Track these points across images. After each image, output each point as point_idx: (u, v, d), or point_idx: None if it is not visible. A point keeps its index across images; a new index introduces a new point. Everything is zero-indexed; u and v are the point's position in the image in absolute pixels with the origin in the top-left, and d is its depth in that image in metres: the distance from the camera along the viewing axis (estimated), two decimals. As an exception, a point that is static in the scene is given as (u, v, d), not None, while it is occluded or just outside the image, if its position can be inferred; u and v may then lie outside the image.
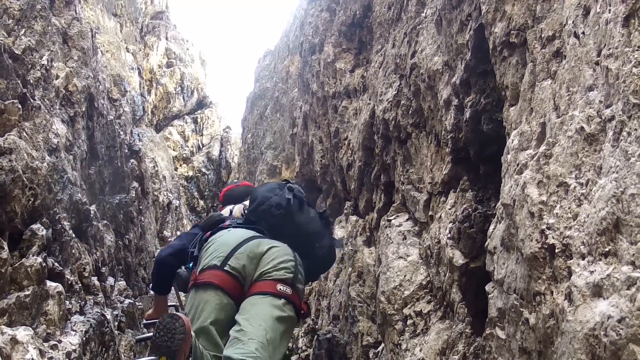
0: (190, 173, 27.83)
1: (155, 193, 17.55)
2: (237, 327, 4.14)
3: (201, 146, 29.06)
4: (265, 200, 4.97)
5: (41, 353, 3.89)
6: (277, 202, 4.92)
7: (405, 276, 5.36)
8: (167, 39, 27.41)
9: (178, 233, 17.82)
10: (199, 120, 28.96)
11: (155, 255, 6.48)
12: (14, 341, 3.60)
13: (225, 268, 4.45)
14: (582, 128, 2.45)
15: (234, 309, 4.33)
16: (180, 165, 27.41)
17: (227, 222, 5.04)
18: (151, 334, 4.10)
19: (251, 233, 4.74)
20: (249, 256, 4.50)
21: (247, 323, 4.15)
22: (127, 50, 21.74)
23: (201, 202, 27.63)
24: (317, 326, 8.94)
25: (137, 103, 22.10)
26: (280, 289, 4.37)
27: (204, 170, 28.18)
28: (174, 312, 3.85)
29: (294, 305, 4.43)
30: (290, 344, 9.36)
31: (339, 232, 8.36)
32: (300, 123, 11.36)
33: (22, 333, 3.75)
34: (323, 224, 5.07)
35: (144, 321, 5.10)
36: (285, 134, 14.07)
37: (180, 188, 25.49)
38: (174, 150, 26.90)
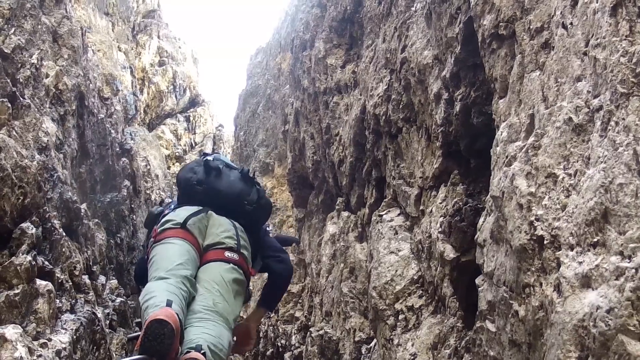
0: (183, 172, 27.73)
1: (148, 192, 17.50)
2: (197, 297, 4.40)
3: (194, 145, 28.98)
4: (188, 181, 5.29)
5: (30, 351, 3.87)
6: (198, 179, 5.24)
7: (396, 271, 5.35)
8: (159, 37, 27.34)
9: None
10: (191, 118, 28.88)
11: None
12: (2, 339, 3.58)
13: (185, 227, 4.81)
14: (570, 119, 2.44)
15: (196, 260, 4.68)
16: (173, 164, 27.33)
17: (166, 211, 5.28)
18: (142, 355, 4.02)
19: (194, 209, 5.02)
20: (198, 226, 4.86)
21: (203, 290, 4.46)
22: (119, 49, 21.69)
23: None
24: (309, 323, 8.94)
25: (130, 102, 22.05)
26: (227, 255, 4.76)
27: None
28: (161, 318, 3.82)
29: (242, 268, 4.79)
30: (283, 341, 9.37)
31: (330, 228, 8.35)
32: (291, 120, 11.34)
33: (11, 331, 3.73)
34: (245, 182, 5.36)
35: (136, 320, 5.16)
36: (278, 131, 14.04)
37: (173, 187, 25.44)
38: (166, 148, 26.83)
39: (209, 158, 5.52)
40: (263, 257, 5.28)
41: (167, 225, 4.90)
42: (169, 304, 4.01)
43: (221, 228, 4.95)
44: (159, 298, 4.09)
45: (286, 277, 5.34)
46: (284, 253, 5.52)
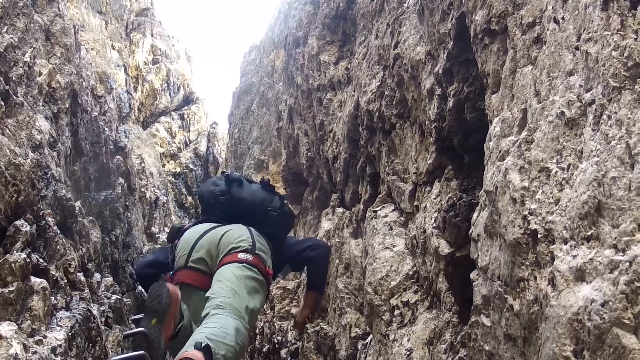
0: (178, 169, 27.71)
1: (142, 189, 17.50)
2: (209, 300, 4.51)
3: (188, 142, 28.96)
4: (211, 194, 5.53)
5: (25, 348, 3.87)
6: (221, 190, 5.48)
7: (391, 267, 5.36)
8: (152, 35, 27.30)
9: (166, 229, 17.79)
10: (185, 116, 28.85)
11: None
12: (-3, 337, 3.59)
13: (188, 265, 4.97)
14: (562, 113, 2.45)
15: (204, 297, 4.65)
16: (168, 162, 27.31)
17: (187, 225, 5.50)
18: (139, 329, 4.32)
19: (208, 226, 5.23)
20: (208, 246, 4.99)
21: (214, 287, 4.62)
22: (112, 47, 21.64)
23: (189, 198, 27.52)
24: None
25: (124, 100, 22.01)
26: (241, 256, 4.85)
27: (191, 166, 28.08)
28: (162, 282, 4.30)
29: (258, 268, 4.87)
30: (279, 337, 9.37)
31: (325, 225, 8.35)
32: (285, 116, 11.33)
33: (6, 328, 3.74)
34: (267, 191, 5.60)
35: (132, 317, 5.23)
36: (272, 128, 14.03)
37: (168, 184, 25.42)
38: (161, 146, 26.80)
39: (230, 174, 5.74)
40: (294, 257, 5.50)
41: (177, 265, 5.08)
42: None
43: (235, 235, 5.04)
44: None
45: (320, 257, 5.52)
46: (313, 241, 5.87)
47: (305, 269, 5.91)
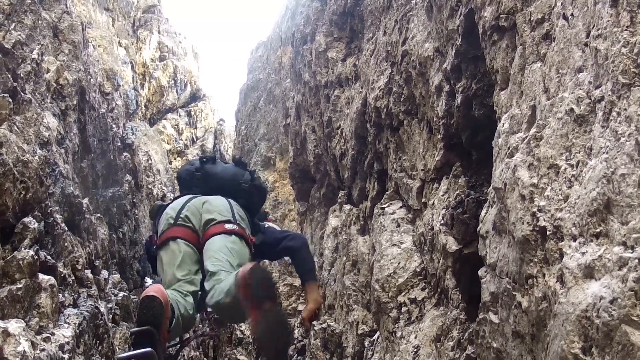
0: (185, 166, 27.68)
1: (150, 186, 17.48)
2: (207, 270, 5.00)
3: (195, 139, 28.94)
4: (187, 172, 6.12)
5: (33, 345, 3.86)
6: (196, 167, 6.06)
7: (399, 264, 5.36)
8: (159, 32, 27.30)
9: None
10: (192, 113, 28.84)
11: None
12: (5, 333, 3.57)
13: (177, 222, 5.42)
14: (571, 109, 2.44)
15: (195, 252, 5.27)
16: (175, 159, 27.31)
17: (167, 202, 5.96)
18: (146, 327, 4.59)
19: (188, 197, 5.70)
20: (191, 211, 5.46)
21: (210, 262, 5.03)
22: (119, 44, 21.65)
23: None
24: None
25: (131, 97, 22.02)
26: (227, 227, 5.32)
27: (198, 163, 28.06)
28: (151, 294, 4.54)
29: (243, 237, 5.37)
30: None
31: (332, 222, 8.36)
32: (293, 113, 11.33)
33: (14, 325, 3.72)
34: (239, 167, 6.14)
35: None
36: (279, 124, 14.03)
37: (175, 181, 25.43)
38: (168, 143, 26.79)
39: (205, 154, 6.36)
40: (274, 244, 5.73)
41: (163, 226, 5.49)
42: (157, 281, 4.68)
43: (215, 204, 5.52)
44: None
45: (301, 246, 5.69)
46: (289, 232, 6.19)
47: (290, 262, 6.33)
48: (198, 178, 5.96)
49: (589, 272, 2.17)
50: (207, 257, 5.11)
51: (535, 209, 2.64)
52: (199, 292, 5.12)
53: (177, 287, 5.03)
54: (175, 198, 5.89)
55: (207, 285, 4.93)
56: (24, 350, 3.75)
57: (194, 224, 5.39)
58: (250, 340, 10.61)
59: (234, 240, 5.26)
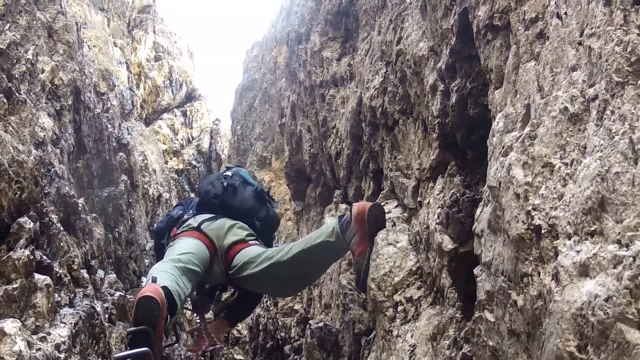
0: (181, 166, 27.69)
1: (145, 186, 17.48)
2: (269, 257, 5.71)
3: (191, 139, 28.94)
4: (207, 193, 6.47)
5: (29, 345, 3.87)
6: (215, 193, 6.42)
7: (395, 262, 5.35)
8: (154, 32, 27.28)
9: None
10: (188, 113, 28.84)
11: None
12: (1, 333, 3.59)
13: (200, 228, 5.92)
14: (566, 108, 2.45)
15: (207, 256, 5.72)
16: (171, 159, 27.30)
17: (186, 216, 6.44)
18: (143, 327, 4.57)
19: (209, 216, 6.16)
20: (216, 230, 5.94)
21: (265, 254, 5.73)
22: (114, 44, 21.66)
23: (192, 195, 27.51)
24: (309, 315, 8.95)
25: (126, 97, 22.03)
26: (251, 242, 5.97)
27: (194, 163, 28.06)
28: (147, 294, 4.57)
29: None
30: (283, 334, 9.39)
31: (328, 221, 8.36)
32: (288, 113, 11.33)
33: (10, 325, 3.74)
34: (257, 199, 6.56)
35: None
36: (274, 124, 14.04)
37: (171, 181, 25.42)
38: (163, 143, 26.78)
39: (228, 174, 6.77)
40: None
41: (184, 228, 5.98)
42: (154, 280, 4.79)
43: (242, 228, 6.08)
44: (148, 277, 4.98)
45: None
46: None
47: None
48: (215, 204, 6.35)
49: (583, 271, 2.17)
50: (242, 269, 5.73)
51: (529, 208, 2.64)
52: (196, 286, 5.65)
53: (177, 263, 5.31)
54: (195, 214, 6.35)
55: (280, 253, 5.65)
56: (20, 350, 3.76)
57: (213, 238, 5.85)
58: (247, 340, 10.64)
59: (260, 247, 5.96)
